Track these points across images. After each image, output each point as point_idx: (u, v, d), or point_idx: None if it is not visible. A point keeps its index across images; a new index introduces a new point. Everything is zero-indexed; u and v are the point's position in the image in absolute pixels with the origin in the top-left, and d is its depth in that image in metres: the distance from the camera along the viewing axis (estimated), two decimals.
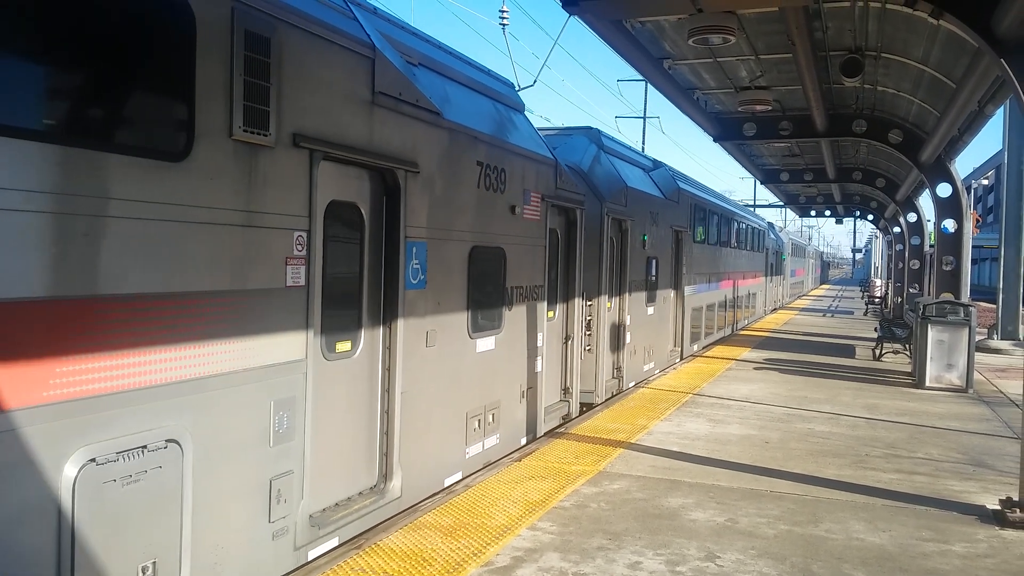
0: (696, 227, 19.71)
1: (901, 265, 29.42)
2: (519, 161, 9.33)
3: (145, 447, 4.45)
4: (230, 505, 5.11)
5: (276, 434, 5.44)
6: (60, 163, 3.96)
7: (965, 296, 15.84)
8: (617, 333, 13.54)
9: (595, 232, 12.17)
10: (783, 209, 62.39)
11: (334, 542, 6.03)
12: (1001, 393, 14.25)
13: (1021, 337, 22.77)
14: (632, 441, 9.59)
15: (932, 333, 14.34)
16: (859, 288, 70.16)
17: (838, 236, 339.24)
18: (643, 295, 15.11)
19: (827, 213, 44.35)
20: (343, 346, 6.40)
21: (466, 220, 8.15)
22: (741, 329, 27.16)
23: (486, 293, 8.66)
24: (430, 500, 7.21)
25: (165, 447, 4.58)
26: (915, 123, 16.01)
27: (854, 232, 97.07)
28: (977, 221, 30.27)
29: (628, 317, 13.81)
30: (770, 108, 15.61)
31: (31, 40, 3.98)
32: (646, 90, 45.00)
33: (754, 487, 7.84)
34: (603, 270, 12.55)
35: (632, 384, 14.45)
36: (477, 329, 8.46)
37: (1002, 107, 16.59)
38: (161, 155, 4.54)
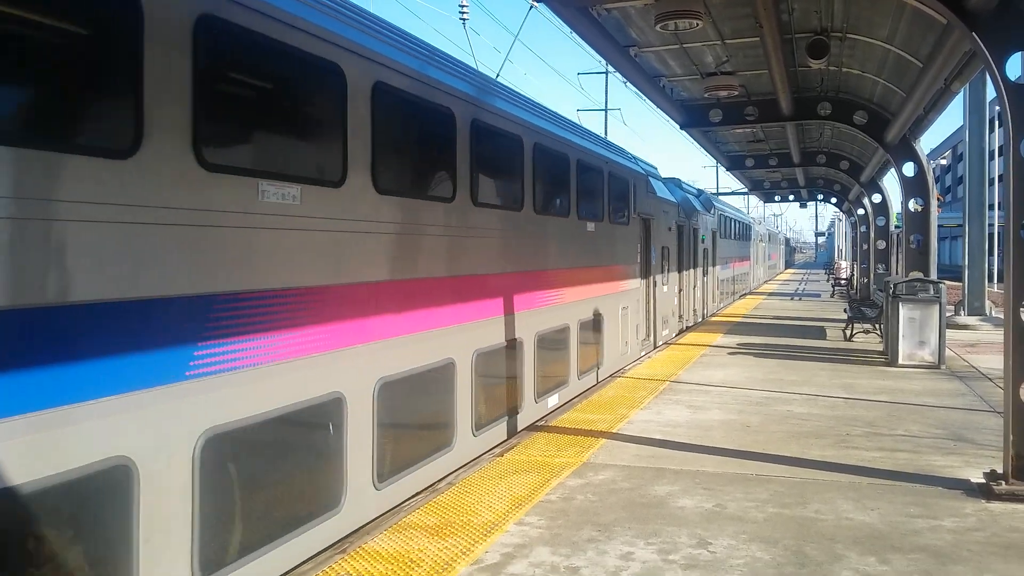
0: (721, 227, 29.80)
1: (866, 246, 29.72)
2: (667, 206, 18.92)
3: (599, 316, 13.76)
4: (630, 330, 15.43)
5: (634, 308, 15.68)
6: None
7: (933, 274, 15.96)
8: (693, 291, 23.08)
9: (684, 236, 21.37)
10: (746, 196, 63.25)
11: (648, 351, 16.92)
12: (973, 368, 14.38)
13: (987, 312, 23.08)
14: (613, 431, 9.50)
15: (903, 311, 14.42)
16: (824, 271, 70.97)
17: (800, 221, 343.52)
18: (701, 270, 24.58)
19: (791, 198, 44.68)
20: (639, 284, 15.95)
21: (661, 235, 18.04)
22: (747, 293, 39.98)
23: (664, 266, 18.33)
24: (413, 500, 7.05)
25: (620, 311, 14.94)
26: (880, 104, 16.08)
27: (815, 216, 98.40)
28: (939, 201, 30.59)
29: (698, 282, 23.89)
30: (736, 93, 15.59)
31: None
32: (607, 83, 45.07)
33: (740, 471, 7.78)
34: (689, 256, 22.24)
35: (701, 319, 24.38)
36: (663, 283, 18.29)
37: (963, 88, 16.71)
38: (622, 223, 14.77)
